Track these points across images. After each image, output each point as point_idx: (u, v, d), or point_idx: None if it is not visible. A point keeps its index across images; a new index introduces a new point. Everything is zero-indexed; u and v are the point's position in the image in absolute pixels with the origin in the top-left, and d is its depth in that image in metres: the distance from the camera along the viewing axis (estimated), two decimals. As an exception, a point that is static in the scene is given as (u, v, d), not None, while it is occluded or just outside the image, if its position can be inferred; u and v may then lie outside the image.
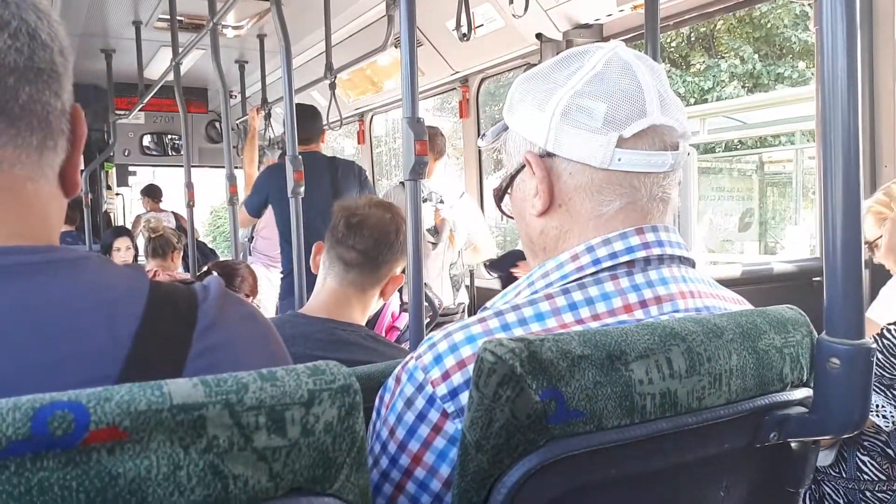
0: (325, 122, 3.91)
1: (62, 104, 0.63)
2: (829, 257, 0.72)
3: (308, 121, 3.42)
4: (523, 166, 0.84)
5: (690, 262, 0.84)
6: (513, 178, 0.86)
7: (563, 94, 0.79)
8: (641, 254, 0.78)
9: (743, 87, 11.21)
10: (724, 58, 11.66)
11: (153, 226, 3.85)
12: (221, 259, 2.51)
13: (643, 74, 0.79)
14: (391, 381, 0.77)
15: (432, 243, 3.30)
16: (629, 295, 0.77)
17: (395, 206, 1.66)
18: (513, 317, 0.75)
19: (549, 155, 0.81)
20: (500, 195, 0.90)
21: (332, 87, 3.78)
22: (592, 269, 0.78)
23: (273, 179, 3.34)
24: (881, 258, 1.90)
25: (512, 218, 0.90)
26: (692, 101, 10.71)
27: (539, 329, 0.74)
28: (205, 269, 2.57)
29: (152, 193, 6.75)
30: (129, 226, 6.04)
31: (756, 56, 11.31)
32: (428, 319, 2.03)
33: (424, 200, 3.30)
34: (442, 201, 3.36)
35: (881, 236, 1.90)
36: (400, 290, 1.81)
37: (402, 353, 1.54)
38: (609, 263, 0.78)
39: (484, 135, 0.92)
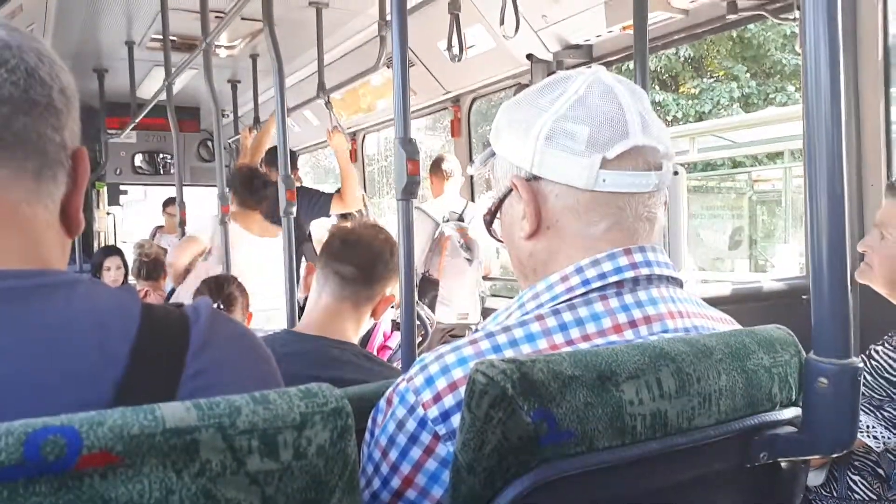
0: (316, 141, 3.94)
1: (61, 139, 0.64)
2: (816, 277, 0.73)
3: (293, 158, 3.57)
4: (511, 190, 0.85)
5: (678, 283, 0.84)
6: (501, 202, 0.87)
7: (547, 118, 0.80)
8: (630, 274, 0.79)
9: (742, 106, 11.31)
10: (715, 77, 11.76)
11: (146, 251, 3.85)
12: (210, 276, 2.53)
13: (624, 97, 0.80)
14: (383, 403, 0.77)
15: (467, 259, 3.37)
16: (619, 315, 0.77)
17: (385, 229, 1.71)
18: (504, 338, 0.75)
19: (535, 178, 0.82)
20: (489, 220, 0.91)
21: (329, 105, 3.80)
22: (582, 290, 0.79)
23: None
24: (875, 283, 1.83)
25: (502, 242, 0.91)
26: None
27: (530, 350, 0.74)
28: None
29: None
30: (120, 245, 6.00)
31: (748, 75, 11.43)
32: (420, 339, 2.05)
33: (446, 220, 3.38)
34: (461, 219, 3.44)
35: (866, 253, 1.81)
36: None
37: (395, 372, 1.56)
38: (598, 284, 0.79)
39: (473, 162, 0.93)
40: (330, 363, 1.48)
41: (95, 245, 6.02)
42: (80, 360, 0.56)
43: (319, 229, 4.42)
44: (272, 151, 4.18)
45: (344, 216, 3.96)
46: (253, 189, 3.25)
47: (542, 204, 0.82)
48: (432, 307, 3.29)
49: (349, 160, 4.05)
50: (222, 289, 2.39)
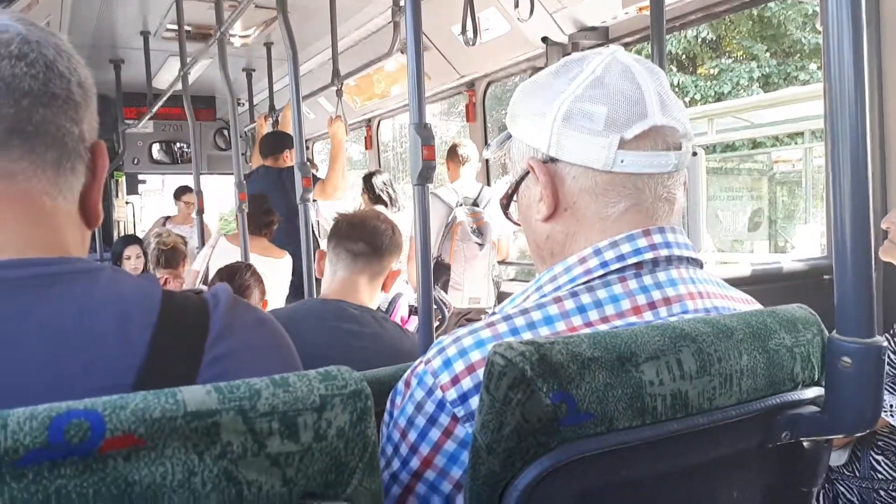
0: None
1: (80, 131, 0.65)
2: (839, 256, 0.72)
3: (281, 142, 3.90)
4: (527, 173, 0.84)
5: (698, 263, 0.84)
6: (518, 184, 0.87)
7: (564, 99, 0.79)
8: (649, 255, 0.79)
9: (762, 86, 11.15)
10: (735, 58, 11.60)
11: (165, 239, 3.88)
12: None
13: (642, 77, 0.79)
14: (401, 385, 0.77)
15: (478, 244, 3.43)
16: (638, 296, 0.77)
17: (384, 213, 1.98)
18: (521, 321, 0.75)
19: (553, 160, 0.81)
20: (506, 202, 0.90)
21: (339, 93, 3.81)
22: (600, 272, 0.78)
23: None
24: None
25: (519, 225, 0.91)
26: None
27: (548, 332, 0.74)
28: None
29: None
30: (140, 234, 6.04)
31: (768, 54, 11.27)
32: (437, 323, 2.12)
33: (459, 205, 3.43)
34: (476, 203, 3.48)
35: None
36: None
37: (408, 334, 1.75)
38: (617, 265, 0.78)
39: (489, 145, 0.93)
40: (349, 318, 1.66)
41: (115, 234, 6.09)
42: (102, 346, 0.57)
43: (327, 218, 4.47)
44: (263, 140, 4.20)
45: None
46: (258, 217, 3.29)
47: (559, 186, 0.82)
48: (444, 291, 3.31)
49: (342, 151, 4.07)
50: (234, 277, 2.40)
